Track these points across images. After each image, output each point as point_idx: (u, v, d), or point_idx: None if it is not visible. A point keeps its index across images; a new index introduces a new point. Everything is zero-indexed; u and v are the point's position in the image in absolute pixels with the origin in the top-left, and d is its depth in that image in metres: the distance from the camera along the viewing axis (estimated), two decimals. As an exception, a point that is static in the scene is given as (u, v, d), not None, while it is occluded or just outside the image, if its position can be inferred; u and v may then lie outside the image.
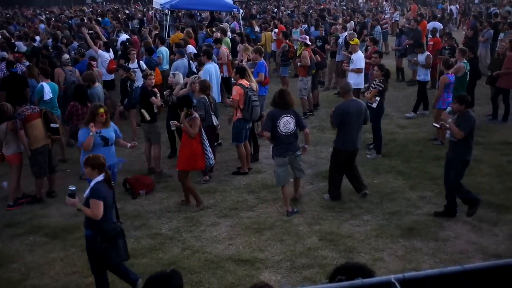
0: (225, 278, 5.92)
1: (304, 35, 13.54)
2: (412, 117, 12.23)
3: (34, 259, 6.53)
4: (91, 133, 6.80)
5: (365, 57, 12.28)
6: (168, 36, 17.88)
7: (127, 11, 33.05)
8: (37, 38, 16.87)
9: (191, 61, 12.33)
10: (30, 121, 7.88)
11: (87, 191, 5.29)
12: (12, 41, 15.45)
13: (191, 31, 15.71)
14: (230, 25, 19.00)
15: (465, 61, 10.57)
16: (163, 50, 13.75)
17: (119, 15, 27.49)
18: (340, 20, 21.10)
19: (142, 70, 11.46)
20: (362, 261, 5.95)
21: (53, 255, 6.58)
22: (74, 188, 5.30)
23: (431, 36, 15.54)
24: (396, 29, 21.77)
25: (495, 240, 6.66)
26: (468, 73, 10.52)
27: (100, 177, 5.29)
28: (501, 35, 15.85)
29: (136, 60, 12.04)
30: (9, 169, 8.21)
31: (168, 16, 20.10)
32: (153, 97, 8.98)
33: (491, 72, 12.00)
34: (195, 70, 11.77)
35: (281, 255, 6.39)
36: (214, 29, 16.52)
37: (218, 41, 13.33)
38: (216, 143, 9.82)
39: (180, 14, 25.00)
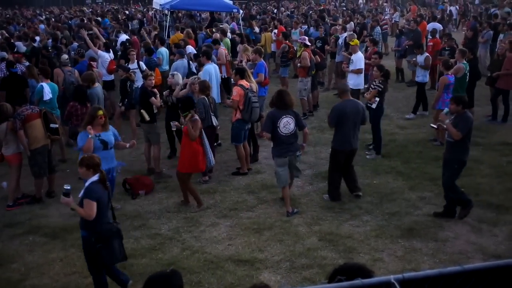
0: (224, 278, 5.92)
1: (303, 36, 13.55)
2: (411, 118, 12.24)
3: (34, 259, 6.53)
4: (89, 136, 6.77)
5: (365, 58, 12.29)
6: (168, 36, 17.90)
7: (127, 12, 33.07)
8: (37, 38, 16.86)
9: (190, 62, 12.33)
10: (30, 121, 7.88)
11: (82, 191, 5.29)
12: (12, 41, 15.45)
13: (190, 31, 15.72)
14: (229, 25, 19.02)
15: (465, 62, 10.58)
16: (163, 50, 13.76)
17: (119, 16, 27.50)
18: (340, 21, 21.09)
19: (142, 71, 11.46)
20: (362, 261, 5.95)
21: (52, 255, 6.58)
22: (69, 187, 5.30)
23: (430, 37, 15.54)
24: (396, 30, 21.79)
25: (494, 240, 6.66)
26: (468, 74, 10.52)
27: (95, 177, 5.27)
28: (501, 36, 15.86)
29: (135, 60, 12.04)
30: (8, 169, 8.21)
31: (168, 17, 20.12)
32: (153, 98, 8.98)
33: (490, 73, 12.01)
34: (195, 71, 11.78)
35: (281, 255, 6.39)
36: (214, 30, 16.53)
37: (216, 42, 13.34)
38: (215, 144, 9.82)
39: (180, 14, 25.01)
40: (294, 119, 7.31)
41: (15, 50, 14.12)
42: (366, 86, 11.42)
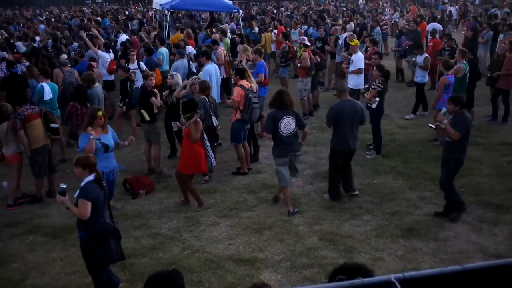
0: (225, 278, 5.93)
1: (302, 37, 13.55)
2: (411, 118, 12.24)
3: (34, 258, 6.53)
4: (91, 137, 6.78)
5: (365, 58, 12.30)
6: (168, 36, 17.89)
7: (126, 12, 33.06)
8: (37, 38, 16.87)
9: (190, 62, 12.33)
10: (30, 121, 7.89)
11: (78, 191, 5.29)
12: (12, 41, 15.46)
13: (190, 31, 15.72)
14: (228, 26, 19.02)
15: (465, 62, 10.58)
16: (163, 51, 13.76)
17: (119, 16, 27.49)
18: (340, 21, 21.10)
19: (142, 71, 11.46)
20: (362, 261, 5.96)
21: (53, 255, 6.58)
22: (65, 186, 5.30)
23: (430, 37, 15.55)
24: (396, 30, 21.79)
25: (495, 240, 6.67)
26: (468, 74, 10.52)
27: (91, 177, 5.27)
28: (501, 36, 15.86)
29: (136, 60, 12.05)
30: (9, 169, 8.22)
31: (168, 17, 20.11)
32: (153, 98, 8.98)
33: (490, 73, 12.01)
34: (195, 71, 11.78)
35: (281, 255, 6.40)
36: (213, 30, 16.54)
37: (215, 42, 13.35)
38: (216, 143, 9.83)
39: (180, 15, 25.01)
40: (295, 119, 7.33)
41: (15, 50, 14.13)
42: (366, 86, 11.43)
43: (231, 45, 15.04)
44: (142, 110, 8.97)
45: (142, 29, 19.85)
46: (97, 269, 5.40)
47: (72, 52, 14.40)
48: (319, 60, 12.98)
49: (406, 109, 12.86)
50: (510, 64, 11.32)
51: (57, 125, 8.32)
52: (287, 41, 15.29)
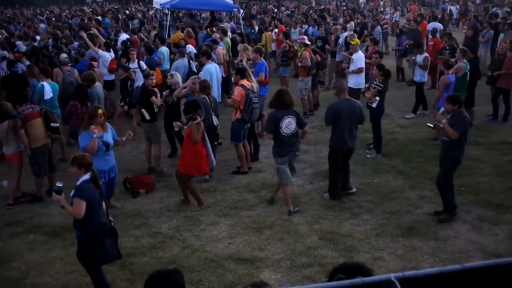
0: (225, 277, 5.93)
1: (302, 36, 13.54)
2: (412, 118, 12.23)
3: (34, 257, 6.54)
4: (94, 135, 6.80)
5: (365, 57, 12.29)
6: (169, 36, 17.89)
7: (127, 11, 33.05)
8: (38, 37, 16.87)
9: (191, 61, 12.33)
10: (30, 120, 7.89)
11: (73, 190, 5.29)
12: (12, 40, 15.46)
13: (191, 31, 15.72)
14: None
15: (465, 61, 10.57)
16: (164, 50, 13.75)
17: (119, 15, 27.49)
18: (340, 21, 21.09)
19: (142, 70, 11.46)
20: (362, 260, 5.97)
21: (53, 254, 6.58)
22: (61, 185, 5.30)
23: (431, 37, 15.54)
24: (396, 29, 21.77)
25: (495, 239, 6.67)
26: (468, 73, 10.52)
27: (86, 176, 5.25)
28: (501, 36, 15.84)
29: (136, 60, 12.05)
30: (9, 168, 8.22)
31: (168, 16, 20.10)
32: (153, 97, 8.98)
33: (491, 73, 12.01)
34: (195, 70, 11.78)
35: (281, 254, 6.40)
36: (214, 29, 16.53)
37: (215, 42, 13.35)
38: (216, 143, 9.83)
39: (180, 14, 25.00)
40: (296, 119, 7.33)
41: (16, 49, 14.13)
42: (366, 86, 11.42)
43: (231, 44, 15.03)
44: (142, 109, 8.97)
45: (142, 28, 19.83)
46: (95, 269, 5.39)
47: (73, 51, 14.40)
48: (319, 59, 12.97)
49: (407, 108, 12.86)
50: (510, 63, 11.31)
51: (58, 124, 8.32)
52: (288, 40, 15.29)
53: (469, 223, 7.08)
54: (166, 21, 19.95)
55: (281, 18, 22.02)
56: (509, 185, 8.24)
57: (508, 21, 17.36)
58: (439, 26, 17.80)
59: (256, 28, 19.56)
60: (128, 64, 11.66)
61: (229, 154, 10.03)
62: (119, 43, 15.98)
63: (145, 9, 34.63)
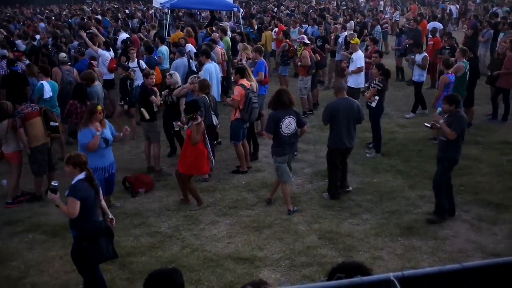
0: (224, 276, 5.93)
1: (302, 35, 13.53)
2: (411, 117, 12.24)
3: (34, 257, 6.54)
4: (97, 133, 6.83)
5: (365, 57, 12.29)
6: (168, 35, 17.88)
7: (127, 10, 33.03)
8: (37, 37, 16.87)
9: (191, 60, 12.32)
10: (30, 119, 7.89)
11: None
12: (12, 39, 15.45)
13: (191, 30, 15.71)
14: (226, 24, 18.97)
15: (465, 60, 10.57)
16: (164, 49, 13.75)
17: (119, 15, 27.47)
18: (340, 20, 21.08)
19: (142, 69, 11.46)
20: (361, 259, 5.97)
21: (52, 253, 6.58)
22: (56, 184, 5.29)
23: (431, 36, 15.54)
24: (396, 29, 21.77)
25: (494, 239, 6.67)
26: (468, 72, 10.52)
27: (81, 176, 5.24)
28: (501, 35, 15.85)
29: (136, 59, 12.04)
30: (8, 167, 8.22)
31: (168, 15, 20.10)
32: (153, 96, 8.97)
33: (491, 72, 12.01)
34: (195, 69, 11.77)
35: (281, 253, 6.40)
36: (214, 29, 16.52)
37: (213, 41, 13.34)
38: (215, 142, 9.83)
39: (180, 13, 24.99)
40: (295, 119, 7.33)
41: (15, 48, 14.12)
42: (366, 85, 11.42)
43: (231, 43, 15.02)
44: (142, 109, 8.96)
45: (142, 27, 19.82)
46: (88, 269, 5.37)
47: (72, 51, 14.40)
48: (319, 58, 12.97)
49: (406, 107, 12.85)
50: (510, 63, 11.31)
51: (57, 124, 8.32)
52: (288, 40, 15.28)
53: (468, 223, 7.09)
54: (166, 20, 19.94)
55: (280, 17, 21.99)
56: (508, 185, 8.24)
57: (508, 21, 17.36)
58: (439, 25, 17.79)
59: (255, 27, 19.54)
60: (128, 63, 11.66)
61: (229, 153, 10.02)
62: (119, 42, 15.97)
63: (145, 8, 34.61)
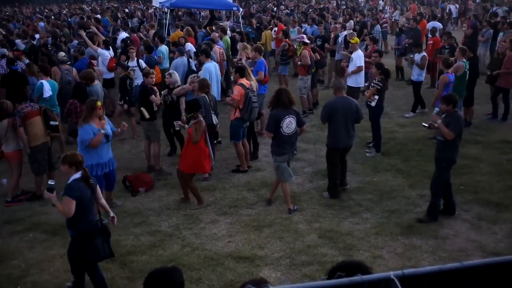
0: (224, 275, 5.94)
1: (301, 35, 13.53)
2: (411, 117, 12.24)
3: (34, 255, 6.54)
4: (102, 131, 6.88)
5: (365, 56, 12.29)
6: (168, 34, 17.87)
7: (126, 10, 33.00)
8: (37, 36, 16.86)
9: (190, 60, 12.32)
10: (30, 118, 7.89)
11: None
12: (11, 38, 15.44)
13: (190, 29, 15.70)
14: (224, 24, 18.96)
15: (465, 60, 10.58)
16: (163, 49, 13.74)
17: (119, 14, 27.44)
18: (340, 19, 21.08)
19: (141, 69, 11.47)
20: (362, 258, 5.97)
21: (52, 252, 6.59)
22: (53, 183, 5.31)
23: (430, 36, 15.53)
24: (396, 28, 21.77)
25: (494, 238, 6.68)
26: (468, 72, 10.52)
27: (77, 175, 5.24)
28: (501, 35, 15.85)
29: (135, 58, 12.04)
30: (8, 166, 8.22)
31: (168, 15, 20.08)
32: (153, 96, 8.98)
33: (490, 72, 12.01)
34: (195, 69, 11.77)
35: (281, 252, 6.41)
36: (213, 28, 16.51)
37: (212, 41, 13.33)
38: (215, 141, 9.83)
39: (180, 12, 24.98)
40: (296, 118, 7.34)
41: (15, 47, 14.12)
42: (366, 85, 11.43)
43: (231, 43, 15.02)
44: (141, 108, 8.96)
45: (141, 26, 19.81)
46: (86, 268, 5.36)
47: (72, 50, 14.39)
48: (318, 58, 12.98)
49: (406, 107, 12.86)
50: (510, 62, 11.32)
51: (57, 123, 8.33)
52: (287, 39, 15.28)
53: (469, 222, 7.10)
54: (166, 19, 19.93)
55: (280, 17, 21.99)
56: (508, 184, 8.25)
57: (508, 20, 17.36)
58: (438, 25, 17.79)
59: (254, 26, 19.54)
60: (127, 63, 11.66)
61: (229, 152, 10.03)
62: (118, 42, 15.96)
63: (144, 8, 34.56)
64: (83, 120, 6.97)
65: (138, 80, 10.93)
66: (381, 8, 33.14)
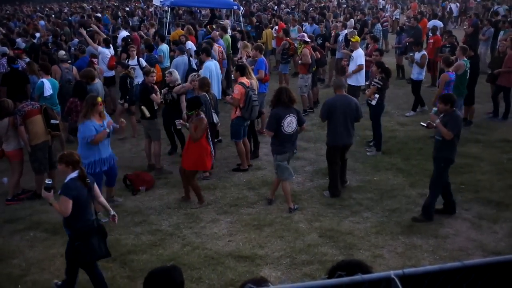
0: (225, 274, 5.94)
1: (301, 33, 13.53)
2: (411, 115, 12.23)
3: (35, 254, 6.55)
4: (108, 130, 6.95)
5: (365, 55, 12.28)
6: (169, 33, 17.87)
7: (127, 8, 32.98)
8: (37, 35, 16.86)
9: (191, 58, 12.32)
10: (30, 117, 7.89)
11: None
12: (12, 37, 15.44)
13: (191, 28, 15.70)
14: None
15: (465, 59, 10.57)
16: (164, 48, 13.75)
17: (119, 12, 27.43)
18: (340, 18, 21.06)
19: (142, 67, 11.47)
20: (362, 258, 5.97)
21: (53, 251, 6.60)
22: (50, 182, 5.30)
23: (431, 34, 15.52)
24: (397, 27, 21.75)
25: (494, 237, 6.67)
26: (469, 71, 10.51)
27: (74, 174, 5.23)
28: (501, 33, 15.83)
29: (136, 57, 12.04)
30: (9, 165, 8.22)
31: (168, 13, 20.08)
32: (153, 94, 8.98)
33: (491, 70, 12.00)
34: (195, 67, 11.77)
35: (281, 251, 6.41)
36: (214, 27, 16.51)
37: (212, 40, 13.32)
38: (216, 140, 9.83)
39: (180, 11, 24.97)
40: (296, 117, 7.34)
41: (15, 46, 14.12)
42: (367, 83, 11.42)
43: (231, 41, 15.02)
44: (142, 107, 8.96)
45: (142, 25, 19.81)
46: (74, 272, 5.36)
47: (72, 48, 14.39)
48: (319, 56, 12.97)
49: (406, 106, 12.85)
50: (511, 61, 11.31)
51: (57, 121, 8.32)
52: (288, 38, 15.26)
53: (469, 221, 7.09)
54: (166, 18, 19.92)
55: (281, 16, 21.97)
56: (509, 183, 8.25)
57: (508, 19, 17.34)
58: (439, 24, 17.78)
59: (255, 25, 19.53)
60: (128, 61, 11.66)
61: (229, 151, 10.03)
62: (119, 40, 15.96)
63: (145, 6, 34.54)
64: (84, 116, 6.97)
65: (139, 78, 10.93)
66: (381, 6, 33.10)
